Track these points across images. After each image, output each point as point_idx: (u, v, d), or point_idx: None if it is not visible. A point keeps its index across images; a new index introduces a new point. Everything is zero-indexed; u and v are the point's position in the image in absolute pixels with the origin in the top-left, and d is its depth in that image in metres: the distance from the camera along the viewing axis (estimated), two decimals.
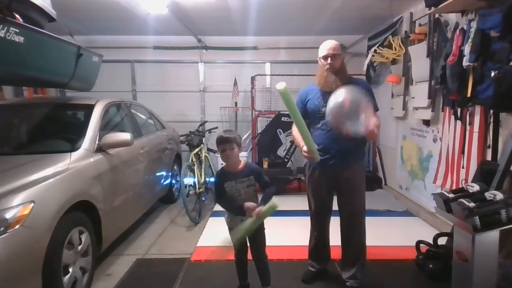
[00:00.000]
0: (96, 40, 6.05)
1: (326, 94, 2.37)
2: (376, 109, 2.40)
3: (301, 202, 4.78)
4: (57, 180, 2.38)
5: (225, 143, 2.31)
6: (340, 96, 2.14)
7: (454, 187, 3.42)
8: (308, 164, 2.67)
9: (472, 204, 2.19)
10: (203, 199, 4.64)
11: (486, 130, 3.09)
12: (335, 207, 2.69)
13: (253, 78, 6.08)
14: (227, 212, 2.42)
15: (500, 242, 2.21)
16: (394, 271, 2.91)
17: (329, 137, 2.41)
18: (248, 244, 2.46)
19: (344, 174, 2.50)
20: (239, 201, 2.31)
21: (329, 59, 2.41)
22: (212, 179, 5.22)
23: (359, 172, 2.56)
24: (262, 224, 2.43)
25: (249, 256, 2.50)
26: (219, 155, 5.63)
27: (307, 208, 2.79)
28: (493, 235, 2.19)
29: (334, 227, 2.71)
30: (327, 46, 2.45)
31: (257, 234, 2.41)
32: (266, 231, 2.48)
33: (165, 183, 4.61)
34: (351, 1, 4.31)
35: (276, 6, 4.50)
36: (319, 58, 2.49)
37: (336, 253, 2.79)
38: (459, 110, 3.40)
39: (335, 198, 2.68)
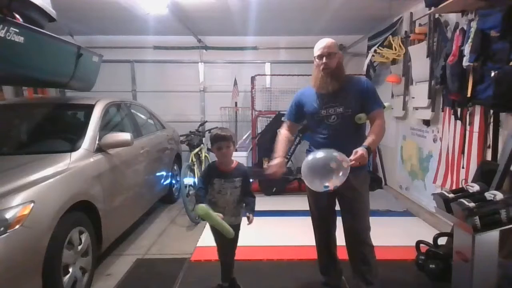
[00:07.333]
0: (96, 40, 6.05)
1: (323, 96, 2.29)
2: (381, 106, 2.30)
3: (301, 202, 4.78)
4: (57, 180, 2.38)
5: (222, 141, 2.31)
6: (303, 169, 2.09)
7: (454, 187, 3.42)
8: None
9: (472, 204, 2.19)
10: None
11: (486, 130, 3.09)
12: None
13: (253, 78, 6.08)
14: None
15: (500, 242, 2.22)
16: (394, 271, 2.90)
17: (327, 143, 2.27)
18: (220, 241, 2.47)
19: (343, 183, 2.31)
20: (222, 200, 2.35)
21: (324, 58, 2.25)
22: None
23: (359, 183, 2.32)
24: (239, 225, 2.45)
25: (237, 256, 2.52)
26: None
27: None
28: (493, 235, 2.19)
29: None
30: (321, 44, 2.28)
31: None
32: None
33: (165, 183, 4.61)
34: (351, 1, 4.31)
35: (276, 6, 4.50)
36: (314, 57, 2.32)
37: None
38: (459, 110, 3.40)
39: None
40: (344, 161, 2.01)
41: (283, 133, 2.51)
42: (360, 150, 2.06)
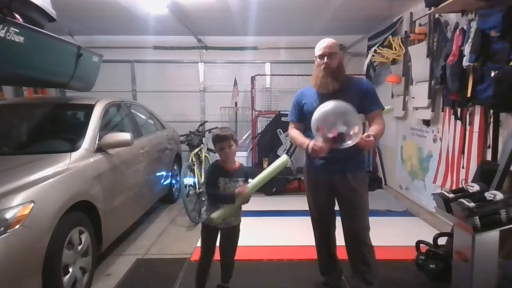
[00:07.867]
0: (96, 40, 6.05)
1: (323, 96, 2.28)
2: (380, 107, 2.33)
3: (301, 202, 4.78)
4: (57, 180, 2.38)
5: (223, 141, 2.31)
6: (327, 106, 2.07)
7: (454, 187, 3.42)
8: (305, 168, 2.58)
9: (472, 204, 2.19)
10: (203, 199, 4.63)
11: (486, 130, 3.09)
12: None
13: (253, 78, 6.08)
14: (208, 205, 2.41)
15: (500, 242, 2.22)
16: (394, 271, 2.90)
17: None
18: (218, 244, 2.45)
19: (340, 182, 2.33)
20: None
21: (325, 58, 2.27)
22: None
23: (358, 183, 2.33)
24: (238, 225, 2.44)
25: (237, 256, 2.49)
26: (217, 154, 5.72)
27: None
28: (493, 235, 2.19)
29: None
30: (323, 44, 2.31)
31: (233, 234, 2.43)
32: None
33: (165, 183, 4.61)
34: (351, 1, 4.32)
35: (276, 6, 4.50)
36: (315, 57, 2.35)
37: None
38: (459, 110, 3.40)
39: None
40: (357, 131, 2.03)
41: (294, 131, 2.47)
42: (372, 137, 2.06)
